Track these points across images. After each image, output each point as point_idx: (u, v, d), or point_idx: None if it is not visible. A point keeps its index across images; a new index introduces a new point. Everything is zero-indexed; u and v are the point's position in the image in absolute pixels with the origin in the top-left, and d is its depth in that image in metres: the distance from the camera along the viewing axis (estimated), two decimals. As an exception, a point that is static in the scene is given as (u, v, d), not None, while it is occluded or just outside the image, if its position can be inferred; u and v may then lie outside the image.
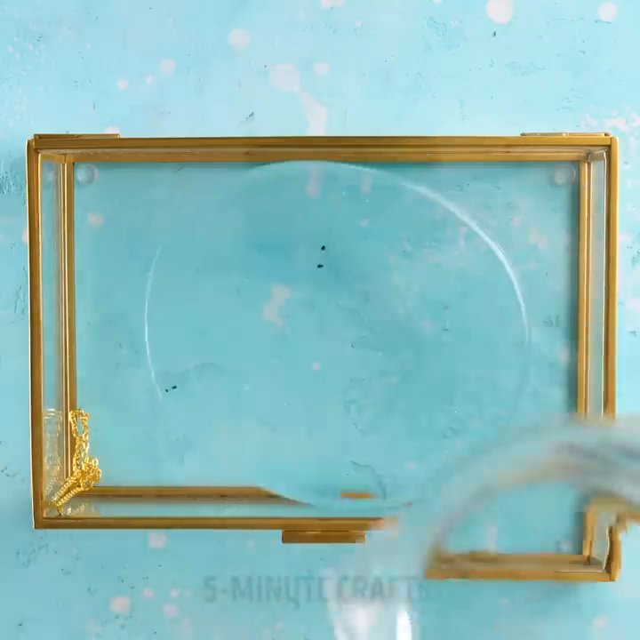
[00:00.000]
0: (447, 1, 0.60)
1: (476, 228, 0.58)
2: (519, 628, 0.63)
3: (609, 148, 0.56)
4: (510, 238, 0.59)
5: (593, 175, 0.60)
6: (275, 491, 0.59)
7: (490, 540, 0.61)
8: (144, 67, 0.60)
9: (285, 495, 0.59)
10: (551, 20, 0.60)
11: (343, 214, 0.59)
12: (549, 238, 0.60)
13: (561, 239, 0.60)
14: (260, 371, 0.60)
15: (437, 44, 0.60)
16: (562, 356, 0.60)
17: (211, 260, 0.59)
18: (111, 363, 0.61)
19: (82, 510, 0.59)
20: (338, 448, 0.60)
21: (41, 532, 0.62)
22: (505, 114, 0.60)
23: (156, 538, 0.63)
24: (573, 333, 0.60)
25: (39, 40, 0.60)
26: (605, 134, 0.57)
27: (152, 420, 0.60)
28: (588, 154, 0.59)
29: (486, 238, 0.58)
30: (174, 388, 0.60)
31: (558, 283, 0.60)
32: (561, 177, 0.60)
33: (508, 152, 0.59)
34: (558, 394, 0.61)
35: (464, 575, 0.59)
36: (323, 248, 0.59)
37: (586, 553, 0.61)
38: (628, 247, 0.60)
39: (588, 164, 0.60)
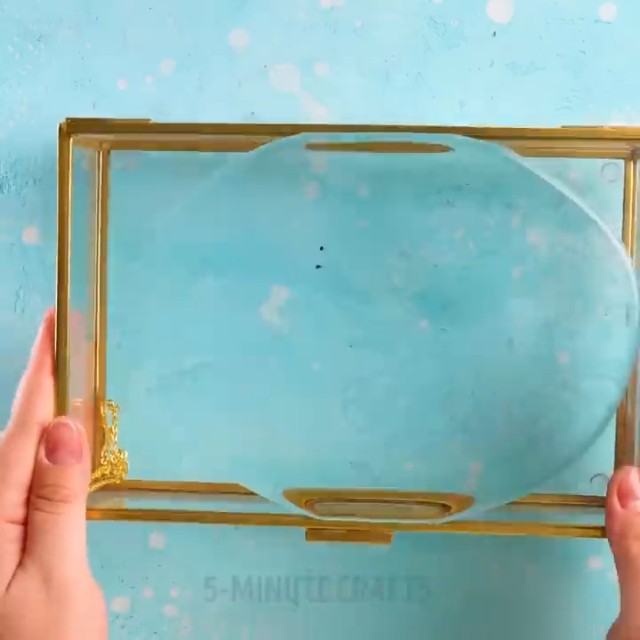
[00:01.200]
0: (447, 1, 0.60)
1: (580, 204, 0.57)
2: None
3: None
4: (509, 238, 0.59)
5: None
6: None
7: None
8: (144, 67, 0.60)
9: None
10: (551, 20, 0.60)
11: (342, 214, 0.59)
12: (549, 238, 0.60)
13: (561, 239, 0.60)
14: (258, 370, 0.60)
15: (437, 44, 0.60)
16: (562, 357, 0.60)
17: (209, 260, 0.59)
18: (110, 363, 0.61)
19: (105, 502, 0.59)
20: (336, 448, 0.60)
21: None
22: (505, 114, 0.60)
23: (156, 538, 0.63)
24: (573, 334, 0.60)
25: (39, 40, 0.60)
26: None
27: (150, 421, 0.60)
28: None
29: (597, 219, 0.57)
30: (172, 389, 0.60)
31: (558, 283, 0.60)
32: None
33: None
34: (561, 396, 0.60)
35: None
36: (321, 248, 0.59)
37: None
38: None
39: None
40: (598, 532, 0.56)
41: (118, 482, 0.61)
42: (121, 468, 0.60)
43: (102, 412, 0.60)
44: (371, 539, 0.57)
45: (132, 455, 0.61)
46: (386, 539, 0.57)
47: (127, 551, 0.63)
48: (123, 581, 0.63)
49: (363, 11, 0.60)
